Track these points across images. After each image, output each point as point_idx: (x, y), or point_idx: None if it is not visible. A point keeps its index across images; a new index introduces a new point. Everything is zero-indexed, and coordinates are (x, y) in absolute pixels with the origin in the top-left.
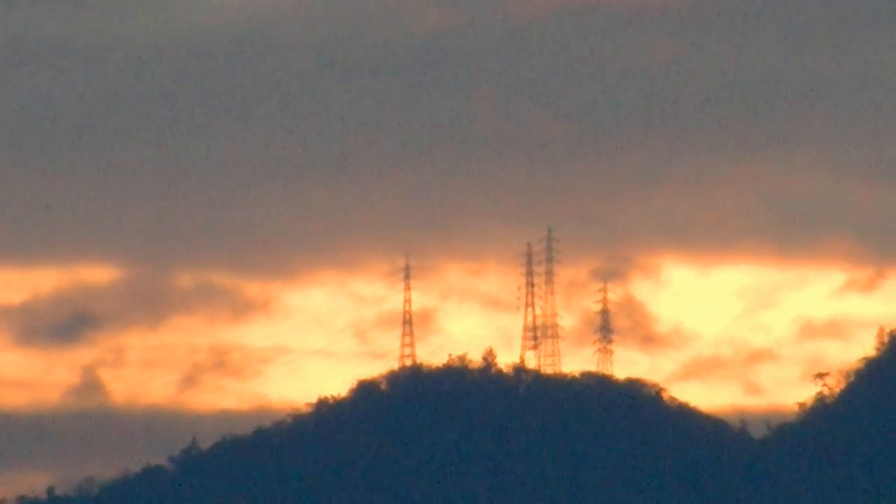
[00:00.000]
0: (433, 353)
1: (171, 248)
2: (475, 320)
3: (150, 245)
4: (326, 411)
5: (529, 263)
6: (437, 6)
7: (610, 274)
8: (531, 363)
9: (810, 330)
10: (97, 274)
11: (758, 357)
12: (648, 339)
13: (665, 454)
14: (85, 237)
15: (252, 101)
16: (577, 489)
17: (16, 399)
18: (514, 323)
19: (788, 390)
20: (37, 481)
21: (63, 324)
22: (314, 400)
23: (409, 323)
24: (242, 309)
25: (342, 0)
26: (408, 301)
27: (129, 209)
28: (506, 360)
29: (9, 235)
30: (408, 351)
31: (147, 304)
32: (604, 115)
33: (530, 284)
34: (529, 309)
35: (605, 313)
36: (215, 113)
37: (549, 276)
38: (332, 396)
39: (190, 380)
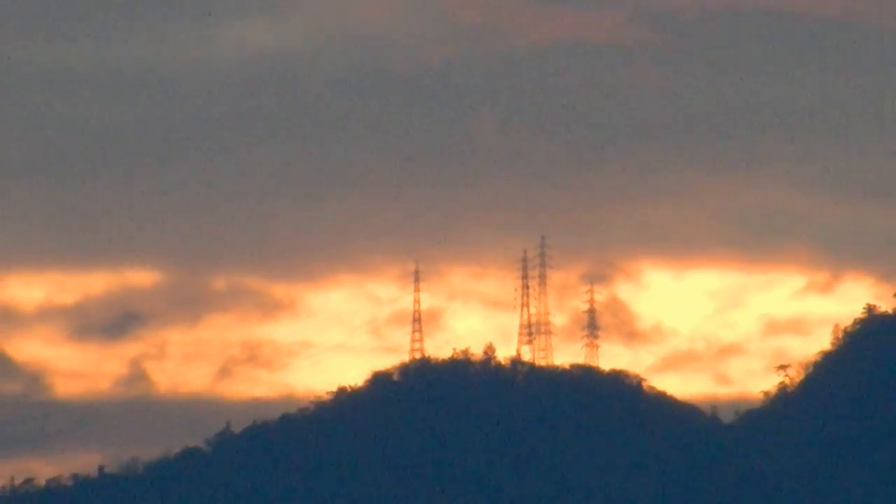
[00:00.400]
0: (439, 348)
1: (208, 255)
2: (477, 318)
3: (189, 252)
4: (345, 399)
5: (525, 268)
6: (444, 41)
7: (596, 277)
8: (526, 356)
9: (773, 327)
10: (142, 277)
11: (727, 351)
12: (630, 335)
13: (644, 438)
14: (131, 245)
15: (281, 124)
16: (566, 468)
17: (70, 388)
18: (512, 321)
19: (754, 380)
20: (89, 460)
21: (112, 321)
22: (334, 389)
23: (418, 321)
24: (271, 308)
25: (362, 36)
26: (417, 301)
27: (170, 220)
28: (504, 354)
29: (64, 244)
30: (417, 345)
31: (186, 303)
32: (590, 137)
33: (526, 286)
34: (525, 308)
35: (591, 312)
36: (248, 135)
37: (543, 279)
38: (350, 386)
39: (224, 371)
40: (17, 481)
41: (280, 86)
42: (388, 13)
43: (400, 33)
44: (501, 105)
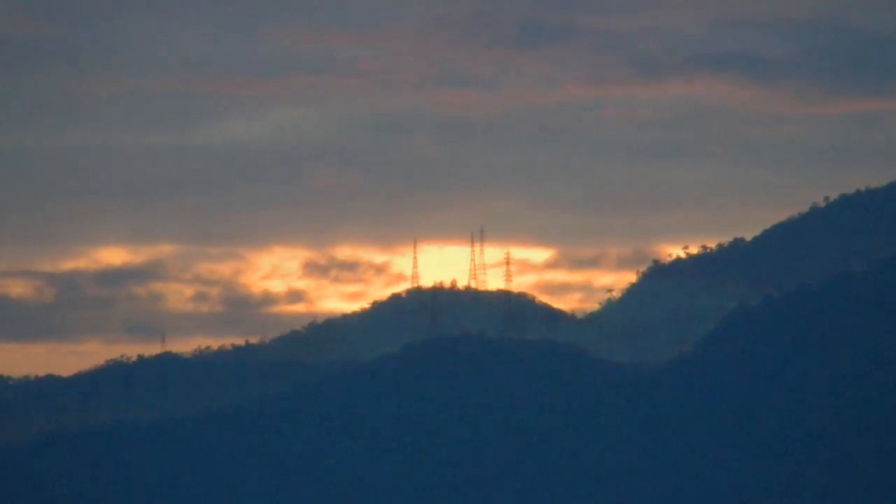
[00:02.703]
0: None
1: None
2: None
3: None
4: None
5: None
6: (433, 128)
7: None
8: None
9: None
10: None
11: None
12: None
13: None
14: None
15: (325, 167)
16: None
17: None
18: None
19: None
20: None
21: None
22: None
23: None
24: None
25: (385, 123)
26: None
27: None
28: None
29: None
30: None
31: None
32: (535, 182)
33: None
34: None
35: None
36: (314, 170)
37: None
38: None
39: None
40: None
41: (324, 150)
42: (396, 108)
43: (406, 120)
44: (469, 159)
